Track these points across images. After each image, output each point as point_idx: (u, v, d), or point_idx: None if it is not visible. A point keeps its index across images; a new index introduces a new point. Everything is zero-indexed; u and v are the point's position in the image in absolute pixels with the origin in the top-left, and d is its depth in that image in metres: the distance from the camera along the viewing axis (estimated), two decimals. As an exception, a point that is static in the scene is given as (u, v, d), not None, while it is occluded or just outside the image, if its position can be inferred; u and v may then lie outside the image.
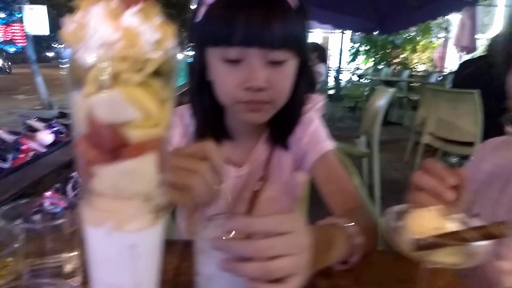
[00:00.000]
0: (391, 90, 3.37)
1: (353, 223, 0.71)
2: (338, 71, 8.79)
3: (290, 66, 0.84)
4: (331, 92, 8.64)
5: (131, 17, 0.39)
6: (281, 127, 0.95)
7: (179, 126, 0.97)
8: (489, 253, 0.53)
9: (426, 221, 0.58)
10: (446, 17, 9.66)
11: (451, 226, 0.57)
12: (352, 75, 10.26)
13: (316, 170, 0.95)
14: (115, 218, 0.42)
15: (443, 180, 0.63)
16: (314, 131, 0.97)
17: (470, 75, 3.33)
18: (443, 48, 12.78)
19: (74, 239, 0.58)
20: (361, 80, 9.13)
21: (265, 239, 0.50)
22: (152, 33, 0.40)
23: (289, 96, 0.87)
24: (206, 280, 0.54)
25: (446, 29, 12.00)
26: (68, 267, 0.59)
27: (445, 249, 0.54)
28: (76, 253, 0.59)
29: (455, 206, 0.61)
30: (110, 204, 0.43)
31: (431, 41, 12.89)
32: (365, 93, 7.52)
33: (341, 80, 8.85)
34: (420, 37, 12.39)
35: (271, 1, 0.78)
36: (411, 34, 12.06)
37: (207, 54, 0.84)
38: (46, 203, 0.63)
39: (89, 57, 0.38)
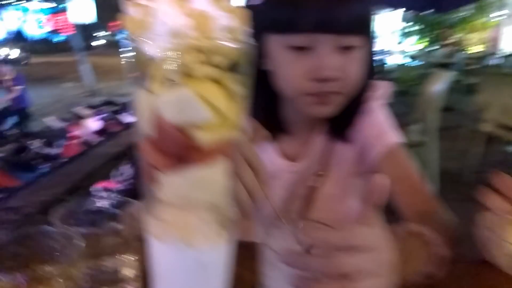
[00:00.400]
0: (449, 74, 3.16)
1: (433, 231, 0.63)
2: (387, 53, 8.45)
3: (361, 52, 0.75)
4: (380, 76, 8.32)
5: (203, 1, 0.33)
6: (342, 118, 0.86)
7: None
8: None
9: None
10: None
11: None
12: (404, 57, 9.83)
13: (382, 166, 0.86)
14: (182, 232, 0.37)
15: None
16: (379, 122, 0.87)
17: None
18: (499, 28, 11.99)
19: (132, 242, 0.54)
20: (411, 63, 8.73)
21: (349, 255, 0.44)
22: (226, 19, 0.34)
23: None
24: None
25: (503, 8, 11.22)
26: (125, 271, 0.55)
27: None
28: (134, 257, 0.55)
29: None
30: (176, 215, 0.37)
31: (487, 21, 12.12)
32: (418, 77, 7.20)
33: (385, 64, 8.51)
34: (475, 17, 11.69)
35: None
36: (466, 13, 11.38)
37: (267, 41, 0.77)
38: (101, 201, 0.59)
39: (155, 48, 0.32)
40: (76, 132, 4.07)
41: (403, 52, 10.34)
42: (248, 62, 0.36)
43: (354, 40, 0.72)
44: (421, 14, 9.51)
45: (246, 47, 0.35)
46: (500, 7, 11.45)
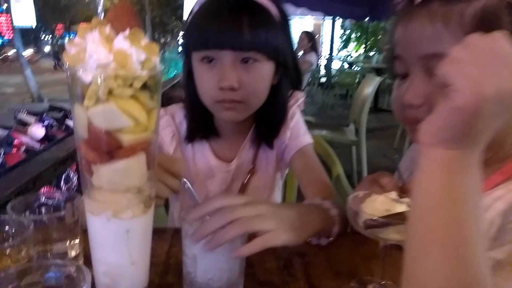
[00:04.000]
0: (378, 79, 3.46)
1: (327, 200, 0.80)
2: (330, 59, 8.84)
3: (263, 68, 0.90)
4: (323, 80, 8.69)
5: (121, 42, 0.47)
6: (266, 127, 1.02)
7: (171, 124, 1.04)
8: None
9: (379, 204, 0.66)
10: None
11: (400, 208, 0.65)
12: (343, 62, 10.30)
13: (294, 162, 1.03)
14: (113, 208, 0.51)
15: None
16: (294, 126, 1.05)
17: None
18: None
19: (76, 228, 0.66)
20: (352, 68, 9.19)
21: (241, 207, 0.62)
22: (139, 54, 0.48)
23: (269, 97, 0.95)
24: (191, 260, 0.63)
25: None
26: (72, 253, 0.67)
27: (392, 228, 0.62)
28: (77, 240, 0.67)
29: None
30: (108, 196, 0.51)
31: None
32: (356, 81, 7.60)
33: (330, 68, 8.91)
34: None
35: (243, 9, 0.86)
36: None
37: (192, 58, 0.93)
38: (47, 197, 0.71)
39: (87, 76, 0.46)
40: (20, 139, 3.96)
41: (343, 58, 10.82)
42: (157, 83, 0.50)
43: (253, 55, 0.87)
44: (358, 22, 9.99)
45: (156, 72, 0.50)
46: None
